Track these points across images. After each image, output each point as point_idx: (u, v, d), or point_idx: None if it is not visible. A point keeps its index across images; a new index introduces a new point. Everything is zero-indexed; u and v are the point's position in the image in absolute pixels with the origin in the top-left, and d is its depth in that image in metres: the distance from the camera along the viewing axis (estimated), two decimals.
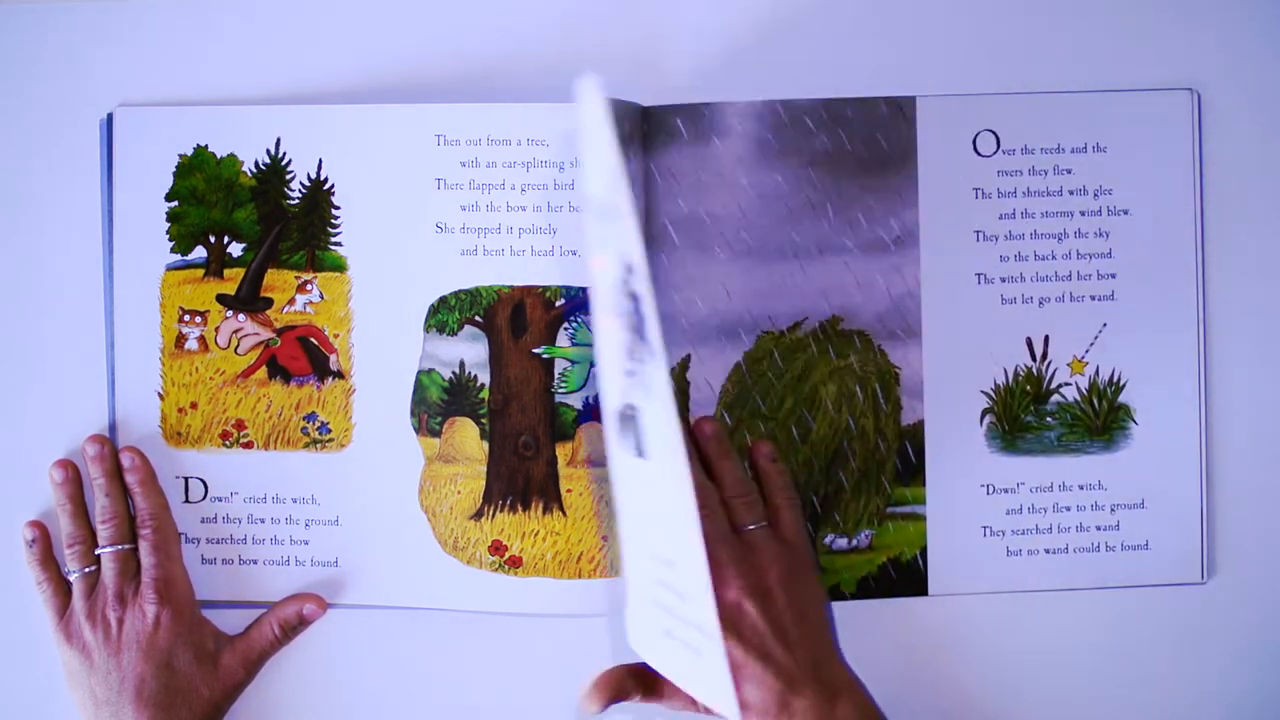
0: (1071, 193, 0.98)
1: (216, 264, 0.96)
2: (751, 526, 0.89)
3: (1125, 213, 0.98)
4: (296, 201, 0.95)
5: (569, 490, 0.94)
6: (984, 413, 0.97)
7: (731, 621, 0.85)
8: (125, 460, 0.94)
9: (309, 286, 0.95)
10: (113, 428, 0.96)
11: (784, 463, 0.93)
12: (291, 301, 0.95)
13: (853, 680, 0.87)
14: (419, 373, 0.94)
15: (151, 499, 0.94)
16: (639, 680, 0.89)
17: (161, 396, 0.96)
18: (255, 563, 0.95)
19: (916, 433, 0.97)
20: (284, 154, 0.95)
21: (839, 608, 0.96)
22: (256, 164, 0.95)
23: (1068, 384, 0.98)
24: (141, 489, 0.94)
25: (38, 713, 0.97)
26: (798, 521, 0.92)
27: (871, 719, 0.86)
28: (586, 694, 0.89)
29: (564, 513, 0.94)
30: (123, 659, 0.91)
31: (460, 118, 0.94)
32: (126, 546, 0.93)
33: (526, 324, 0.94)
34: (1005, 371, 0.97)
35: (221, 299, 0.94)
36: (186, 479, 0.96)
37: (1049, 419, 0.98)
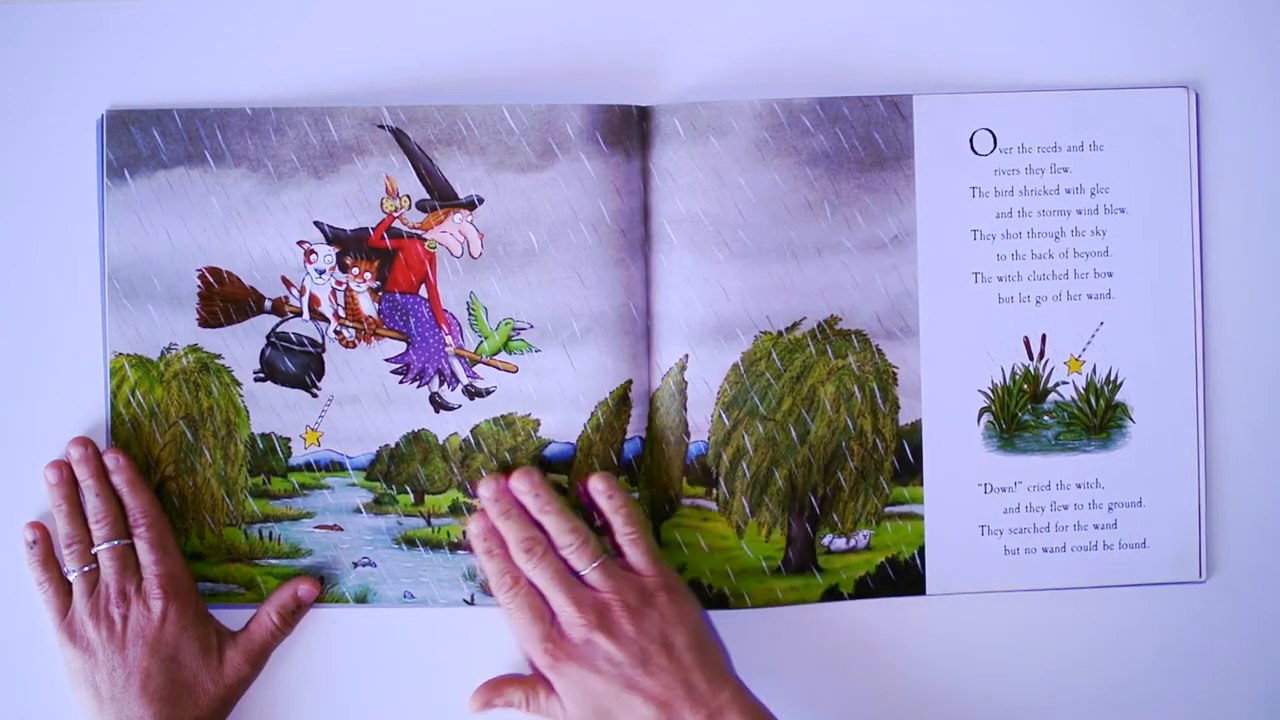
0: (1068, 191, 0.98)
1: None
2: (589, 568, 0.91)
3: (1122, 211, 0.98)
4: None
5: None
6: (981, 412, 0.97)
7: (587, 657, 0.88)
8: (110, 462, 0.94)
9: None
10: (110, 428, 0.96)
11: (620, 494, 0.94)
12: None
13: (737, 692, 0.89)
14: None
15: (141, 497, 0.94)
16: (523, 690, 0.93)
17: None
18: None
19: (914, 432, 0.97)
20: None
21: (837, 608, 0.97)
22: None
23: (1065, 383, 0.98)
24: (129, 489, 0.94)
25: (39, 713, 0.97)
26: (646, 551, 0.92)
27: None
28: (475, 694, 0.94)
29: None
30: (128, 655, 0.92)
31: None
32: (123, 542, 0.93)
33: None
34: (1002, 370, 0.98)
35: None
36: None
37: (1046, 418, 0.98)
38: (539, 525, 0.92)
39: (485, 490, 0.93)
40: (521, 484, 0.93)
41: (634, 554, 0.92)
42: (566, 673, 0.89)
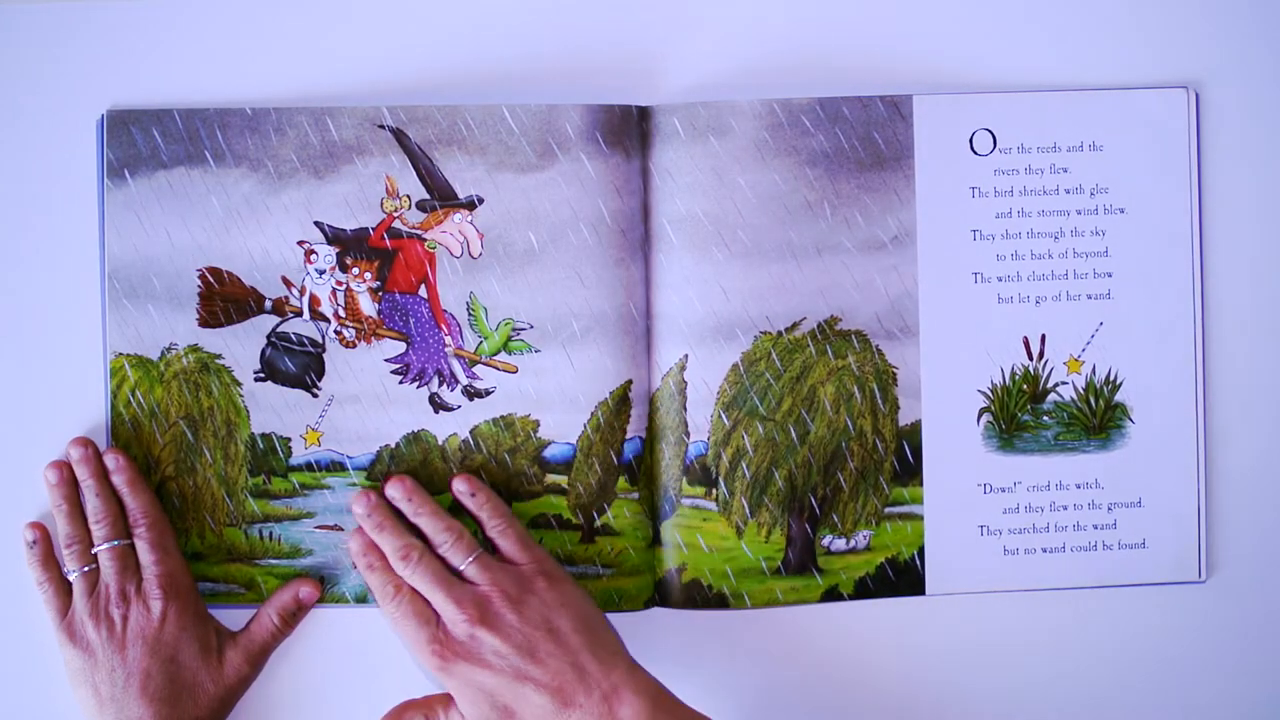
0: (1068, 191, 0.98)
1: None
2: (465, 564, 0.91)
3: (1122, 211, 0.98)
4: None
5: None
6: (981, 412, 0.98)
7: (474, 654, 0.88)
8: (110, 462, 0.94)
9: None
10: (111, 429, 0.96)
11: (482, 490, 0.94)
12: None
13: (630, 670, 0.89)
14: None
15: (141, 497, 0.94)
16: (421, 711, 0.93)
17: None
18: None
19: (914, 433, 0.97)
20: None
21: (837, 608, 0.97)
22: None
23: (1064, 383, 0.98)
24: (129, 489, 0.94)
25: (39, 713, 0.97)
26: (519, 540, 0.93)
27: (657, 702, 0.88)
28: None
29: None
30: (128, 655, 0.92)
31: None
32: (123, 543, 0.93)
33: None
34: (1002, 371, 0.98)
35: None
36: None
37: (1046, 418, 0.98)
38: (418, 533, 0.93)
39: (359, 506, 0.93)
40: (395, 491, 0.93)
41: (506, 544, 0.93)
42: (457, 673, 0.89)
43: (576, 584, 0.93)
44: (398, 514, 0.94)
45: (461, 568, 0.91)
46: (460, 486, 0.94)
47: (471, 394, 0.97)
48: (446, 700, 0.92)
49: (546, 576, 0.91)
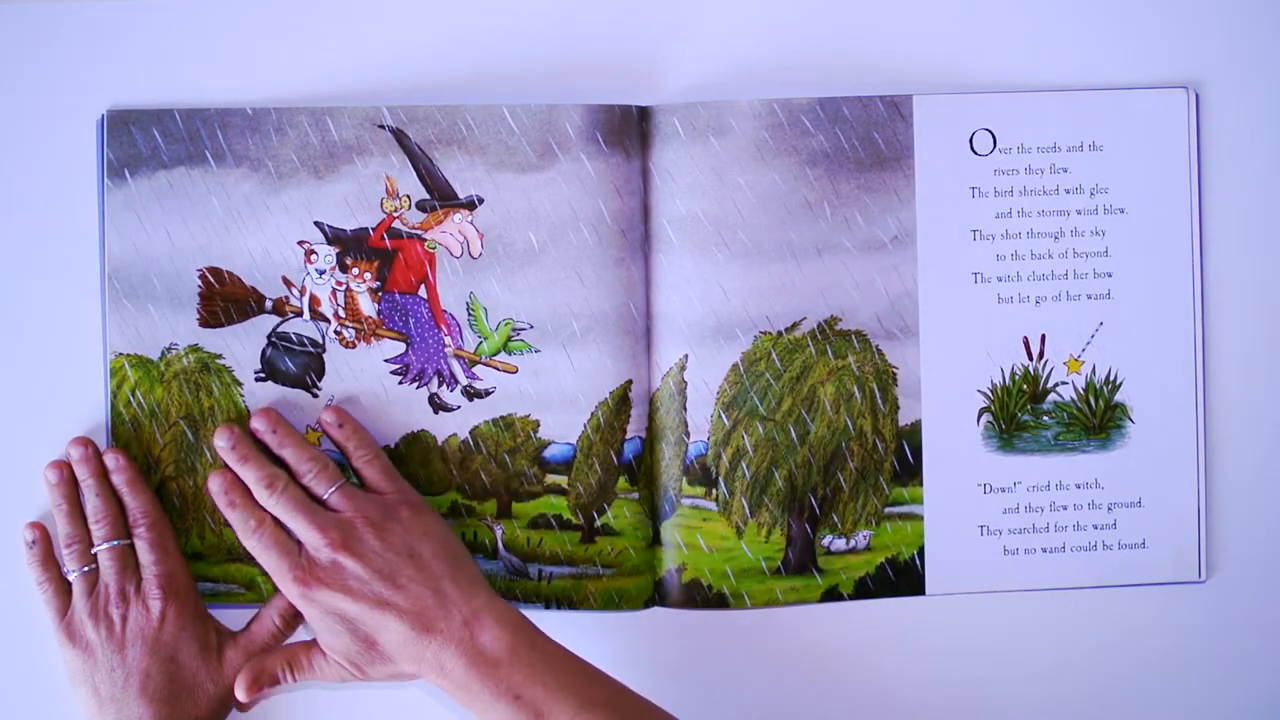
0: (1068, 191, 0.98)
1: None
2: (329, 492, 0.92)
3: (1122, 211, 0.98)
4: None
5: None
6: (981, 412, 0.98)
7: (336, 579, 0.89)
8: (110, 462, 0.94)
9: None
10: (111, 428, 0.96)
11: (350, 421, 0.95)
12: None
13: (491, 598, 0.89)
14: None
15: (141, 497, 0.94)
16: (284, 658, 0.93)
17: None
18: None
19: (914, 433, 0.97)
20: None
21: (837, 608, 0.97)
22: None
23: (1064, 383, 0.98)
24: (129, 489, 0.94)
25: (39, 713, 0.97)
26: (383, 470, 0.94)
27: (519, 631, 0.88)
28: (235, 687, 0.93)
29: None
30: (127, 655, 0.92)
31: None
32: (123, 543, 0.93)
33: None
34: (1002, 371, 0.98)
35: None
36: None
37: (1046, 418, 0.98)
38: (279, 464, 0.93)
39: (221, 440, 0.93)
40: (260, 423, 0.94)
41: (372, 473, 0.94)
42: (318, 599, 0.89)
43: (439, 516, 0.93)
44: (261, 448, 0.94)
45: (325, 496, 0.92)
46: (328, 418, 0.95)
47: (471, 394, 0.97)
48: (308, 647, 0.92)
49: (410, 505, 0.92)
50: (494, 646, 0.87)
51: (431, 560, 0.90)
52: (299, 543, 0.91)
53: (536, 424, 0.96)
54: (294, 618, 0.96)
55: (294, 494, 0.91)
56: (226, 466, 0.93)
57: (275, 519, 0.91)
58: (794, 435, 0.96)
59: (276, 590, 0.95)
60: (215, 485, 0.93)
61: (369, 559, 0.89)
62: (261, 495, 0.91)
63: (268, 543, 0.90)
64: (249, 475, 0.92)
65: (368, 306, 0.96)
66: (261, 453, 0.93)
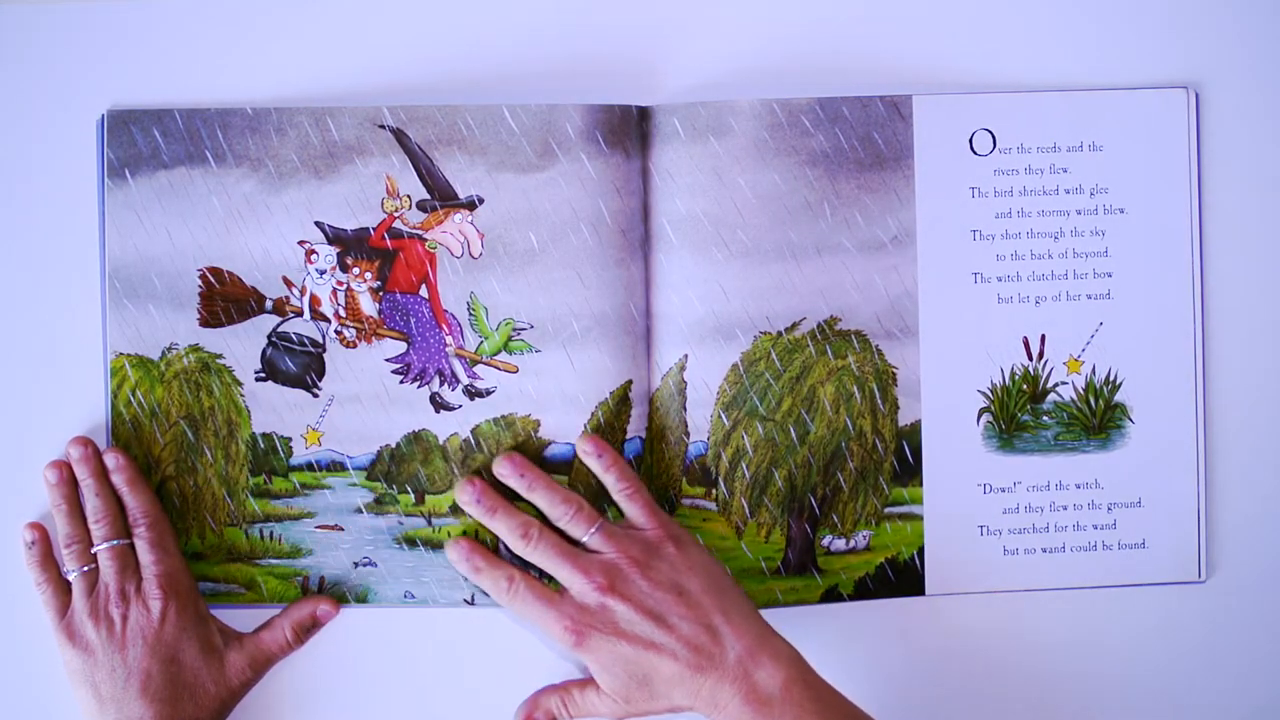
0: (1068, 191, 0.98)
1: None
2: (588, 534, 0.90)
3: (1122, 211, 0.98)
4: None
5: None
6: (981, 412, 0.98)
7: (606, 623, 0.88)
8: (110, 461, 0.94)
9: None
10: (111, 428, 0.96)
11: (609, 452, 0.93)
12: None
13: (767, 636, 0.88)
14: None
15: (141, 497, 0.94)
16: (558, 695, 0.92)
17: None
18: None
19: (914, 433, 0.97)
20: None
21: (837, 609, 0.97)
22: None
23: (1064, 383, 0.98)
24: (129, 488, 0.94)
25: (39, 713, 0.97)
26: (645, 505, 0.92)
27: (793, 668, 0.87)
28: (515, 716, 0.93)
29: None
30: (128, 654, 0.91)
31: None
32: (122, 542, 0.93)
33: None
34: (1002, 371, 0.98)
35: None
36: None
37: (1046, 418, 0.98)
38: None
39: (465, 494, 0.93)
40: (504, 468, 0.93)
41: (632, 509, 0.92)
42: (594, 646, 0.88)
43: (704, 548, 0.92)
44: (508, 493, 0.93)
45: (584, 539, 0.90)
46: (585, 447, 0.93)
47: (472, 394, 0.97)
48: (583, 684, 0.91)
49: (674, 540, 0.91)
50: (769, 684, 0.86)
51: (701, 595, 0.88)
52: (558, 591, 0.90)
53: (537, 424, 0.96)
54: (306, 632, 0.96)
55: (552, 540, 0.90)
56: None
57: (525, 570, 0.91)
58: (794, 435, 0.96)
59: (295, 602, 0.95)
60: (456, 554, 0.92)
61: (638, 600, 0.88)
62: (517, 545, 0.90)
63: (527, 598, 0.89)
64: (500, 527, 0.91)
65: (368, 306, 0.96)
66: (508, 500, 0.93)
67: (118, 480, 0.94)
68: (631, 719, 0.90)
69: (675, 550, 0.90)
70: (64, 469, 0.94)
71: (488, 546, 0.94)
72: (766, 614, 0.97)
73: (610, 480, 0.93)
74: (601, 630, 0.88)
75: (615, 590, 0.88)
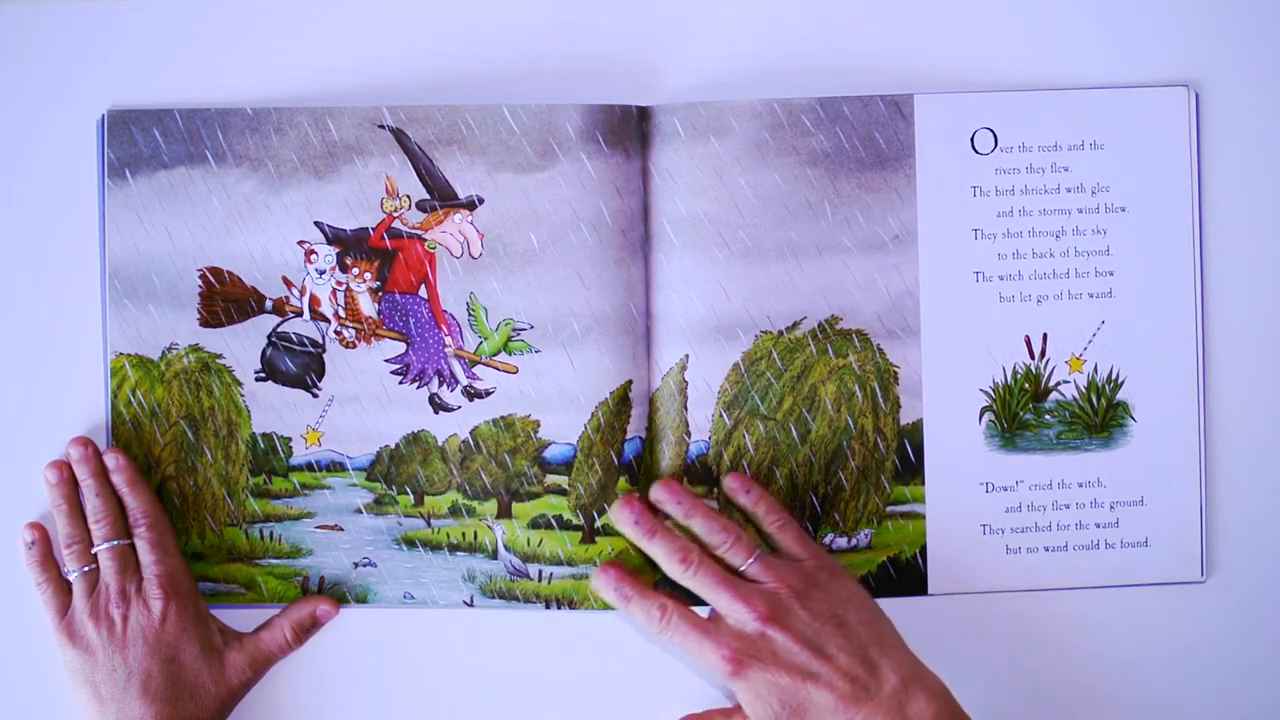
0: (1069, 190, 0.98)
1: None
2: (748, 563, 0.90)
3: (1123, 210, 0.98)
4: None
5: None
6: (983, 411, 0.97)
7: (767, 653, 0.87)
8: (110, 461, 0.94)
9: None
10: (111, 428, 0.96)
11: (756, 486, 0.93)
12: None
13: (919, 669, 0.88)
14: None
15: (141, 497, 0.94)
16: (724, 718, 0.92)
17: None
18: None
19: (915, 431, 0.97)
20: None
21: None
22: None
23: (1066, 382, 0.98)
24: (130, 488, 0.94)
25: (39, 713, 0.97)
26: (798, 537, 0.92)
27: (943, 702, 0.87)
28: None
29: None
30: (128, 655, 0.91)
31: None
32: (123, 542, 0.93)
33: None
34: (1004, 370, 0.97)
35: None
36: None
37: (1048, 417, 0.98)
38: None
39: (625, 514, 0.91)
40: (662, 494, 0.92)
41: (786, 540, 0.92)
42: (751, 676, 0.87)
43: (855, 579, 0.92)
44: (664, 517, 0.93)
45: (743, 568, 0.90)
46: (732, 484, 0.93)
47: (471, 394, 0.96)
48: (728, 713, 0.91)
49: (828, 570, 0.90)
50: (921, 717, 0.86)
51: (858, 627, 0.88)
52: (711, 620, 0.89)
53: (537, 424, 0.96)
54: (305, 632, 0.96)
55: (712, 568, 0.89)
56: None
57: (676, 598, 0.90)
58: (795, 434, 0.96)
59: (295, 602, 0.96)
60: (602, 583, 0.91)
61: (798, 630, 0.87)
62: (675, 570, 0.89)
63: (682, 628, 0.88)
64: (659, 549, 0.90)
65: (368, 306, 0.96)
66: (667, 524, 0.92)
67: (118, 480, 0.94)
68: None
69: (830, 579, 0.90)
70: (64, 469, 0.94)
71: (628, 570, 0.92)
72: None
73: (760, 513, 0.93)
74: (760, 660, 0.87)
75: (775, 620, 0.87)
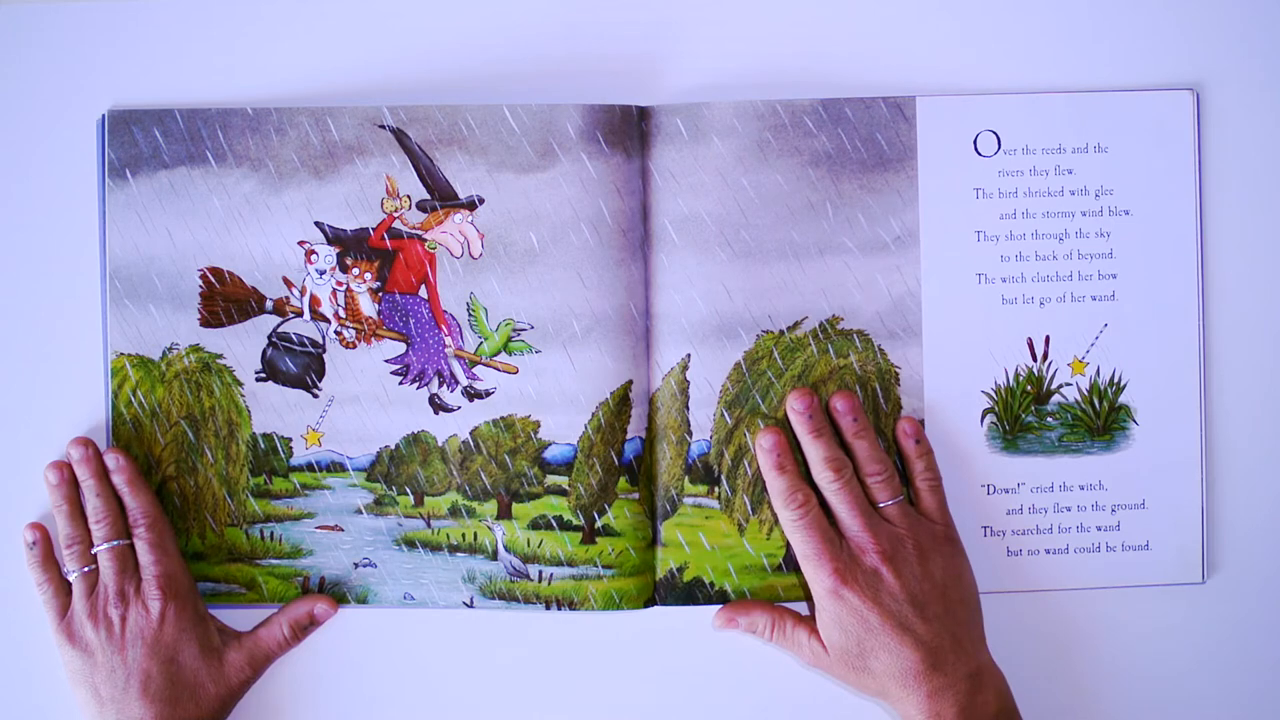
0: (1072, 193, 0.97)
1: None
2: (888, 502, 0.91)
3: (1126, 213, 0.98)
4: None
5: None
6: (985, 413, 0.97)
7: (870, 587, 0.88)
8: (111, 462, 0.94)
9: None
10: (111, 428, 0.96)
11: (926, 440, 0.94)
12: None
13: (994, 667, 0.90)
14: None
15: (141, 497, 0.94)
16: (770, 617, 0.93)
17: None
18: None
19: None
20: None
21: None
22: None
23: (1068, 384, 0.97)
24: (130, 489, 0.94)
25: (39, 713, 0.97)
26: (939, 502, 0.93)
27: (1005, 700, 0.88)
28: (720, 611, 0.94)
29: None
30: (127, 655, 0.91)
31: None
32: (123, 543, 0.93)
33: None
34: (1006, 372, 0.97)
35: None
36: None
37: (1049, 419, 0.97)
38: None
39: (800, 402, 0.93)
40: (842, 403, 0.93)
41: (930, 500, 0.93)
42: (847, 598, 0.88)
43: (970, 564, 0.93)
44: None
45: (883, 505, 0.91)
46: (906, 427, 0.94)
47: (472, 395, 0.96)
48: (799, 620, 0.92)
49: (953, 543, 0.92)
50: (985, 709, 0.88)
51: (958, 604, 0.90)
52: (839, 534, 0.90)
53: (537, 425, 0.96)
54: (303, 630, 0.96)
55: (856, 489, 0.91)
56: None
57: (817, 506, 0.91)
58: (796, 434, 0.96)
59: (293, 600, 0.96)
60: (767, 442, 0.92)
61: (908, 580, 0.89)
62: (823, 475, 0.91)
63: (812, 523, 0.90)
64: (818, 450, 0.92)
65: (368, 307, 0.96)
66: (832, 434, 0.93)
67: (118, 481, 0.94)
68: (824, 674, 0.92)
69: (952, 552, 0.91)
70: (65, 469, 0.94)
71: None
72: None
73: (920, 466, 0.94)
74: (862, 591, 0.88)
75: (892, 562, 0.89)
